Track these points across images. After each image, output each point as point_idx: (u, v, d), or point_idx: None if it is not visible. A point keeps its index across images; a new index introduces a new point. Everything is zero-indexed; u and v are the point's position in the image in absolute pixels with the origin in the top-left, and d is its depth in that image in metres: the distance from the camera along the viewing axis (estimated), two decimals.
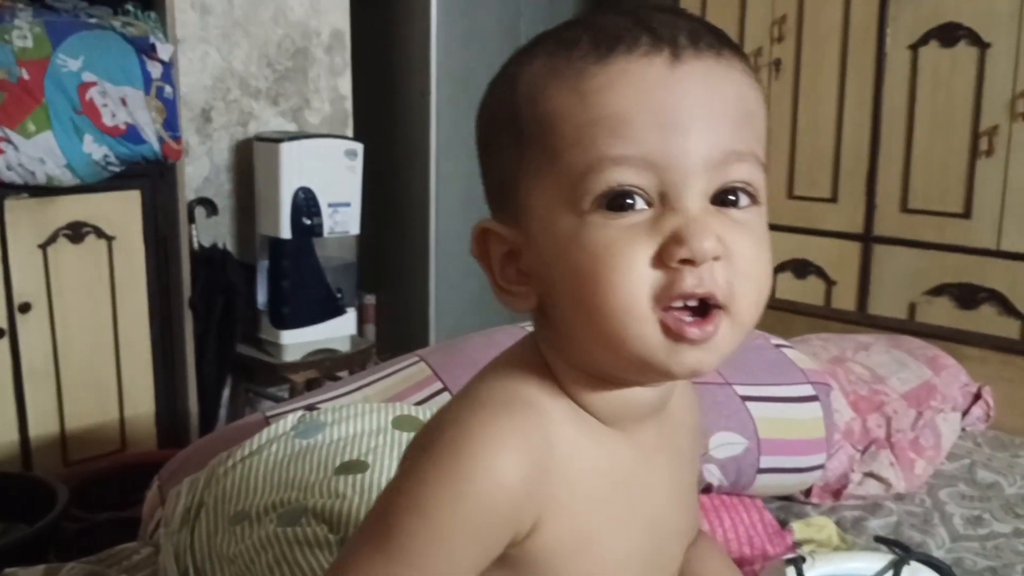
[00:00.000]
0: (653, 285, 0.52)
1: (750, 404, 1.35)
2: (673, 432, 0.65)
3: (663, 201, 0.52)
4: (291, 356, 2.68)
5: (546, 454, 0.55)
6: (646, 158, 0.52)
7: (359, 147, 2.72)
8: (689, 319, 0.53)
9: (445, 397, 1.23)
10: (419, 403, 1.23)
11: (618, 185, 0.52)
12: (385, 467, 1.04)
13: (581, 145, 0.53)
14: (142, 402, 2.44)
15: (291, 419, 1.14)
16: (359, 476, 1.03)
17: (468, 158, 3.04)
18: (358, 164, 2.71)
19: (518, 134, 0.55)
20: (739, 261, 0.53)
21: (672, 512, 0.64)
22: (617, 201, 0.52)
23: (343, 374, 2.82)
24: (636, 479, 0.61)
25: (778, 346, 1.51)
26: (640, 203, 0.53)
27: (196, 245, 2.61)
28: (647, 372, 0.55)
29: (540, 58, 0.56)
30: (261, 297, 2.72)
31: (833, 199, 2.81)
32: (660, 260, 0.52)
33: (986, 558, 1.33)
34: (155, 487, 1.20)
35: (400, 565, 0.53)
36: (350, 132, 2.95)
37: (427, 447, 0.55)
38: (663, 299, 0.52)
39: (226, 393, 2.75)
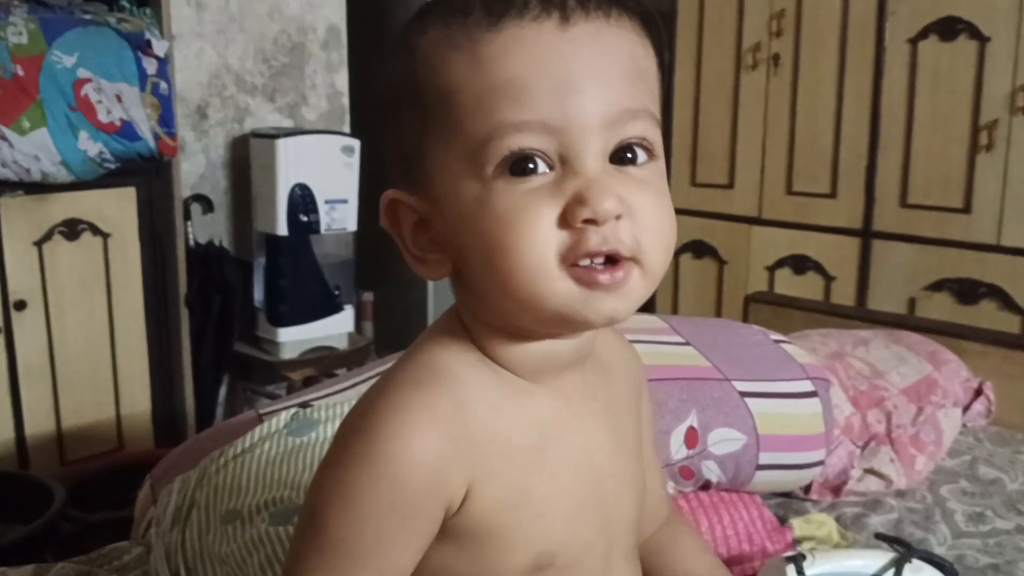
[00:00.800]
0: (559, 245, 0.54)
1: (749, 400, 1.34)
2: (605, 383, 0.67)
3: (563, 163, 0.54)
4: (288, 354, 2.67)
5: (462, 422, 0.58)
6: (544, 122, 0.53)
7: (356, 143, 2.71)
8: (600, 267, 0.55)
9: None
10: None
11: (519, 150, 0.54)
12: None
13: (481, 113, 0.54)
14: (138, 400, 2.43)
15: (284, 417, 1.12)
16: None
17: None
18: (355, 160, 2.70)
19: (420, 104, 0.56)
20: (642, 216, 0.55)
21: (611, 458, 0.67)
22: (519, 166, 0.54)
23: (341, 371, 2.81)
24: (566, 428, 0.63)
25: (777, 341, 1.50)
26: (542, 166, 0.54)
27: (192, 242, 2.60)
28: (566, 325, 0.57)
29: (435, 26, 0.56)
30: (258, 295, 2.71)
31: (832, 194, 2.80)
32: (564, 221, 0.54)
33: (988, 555, 1.31)
34: (147, 486, 1.19)
35: (336, 556, 0.56)
36: (347, 128, 2.94)
37: (344, 436, 0.58)
38: (570, 258, 0.54)
39: (223, 391, 2.75)
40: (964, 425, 1.70)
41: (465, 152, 0.55)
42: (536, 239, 0.54)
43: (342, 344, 2.77)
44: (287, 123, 2.83)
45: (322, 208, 2.64)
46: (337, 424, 1.10)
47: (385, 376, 0.60)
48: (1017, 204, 2.48)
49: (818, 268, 2.86)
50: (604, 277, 0.54)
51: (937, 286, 2.63)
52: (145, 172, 2.34)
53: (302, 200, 2.61)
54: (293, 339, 2.68)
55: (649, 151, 0.57)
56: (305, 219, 2.62)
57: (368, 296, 3.12)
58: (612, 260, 0.55)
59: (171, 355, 2.50)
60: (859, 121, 2.74)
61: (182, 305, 2.47)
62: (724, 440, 1.30)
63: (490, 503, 0.58)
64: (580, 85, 0.54)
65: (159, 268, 2.43)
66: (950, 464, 1.59)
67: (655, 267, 0.57)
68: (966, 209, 2.57)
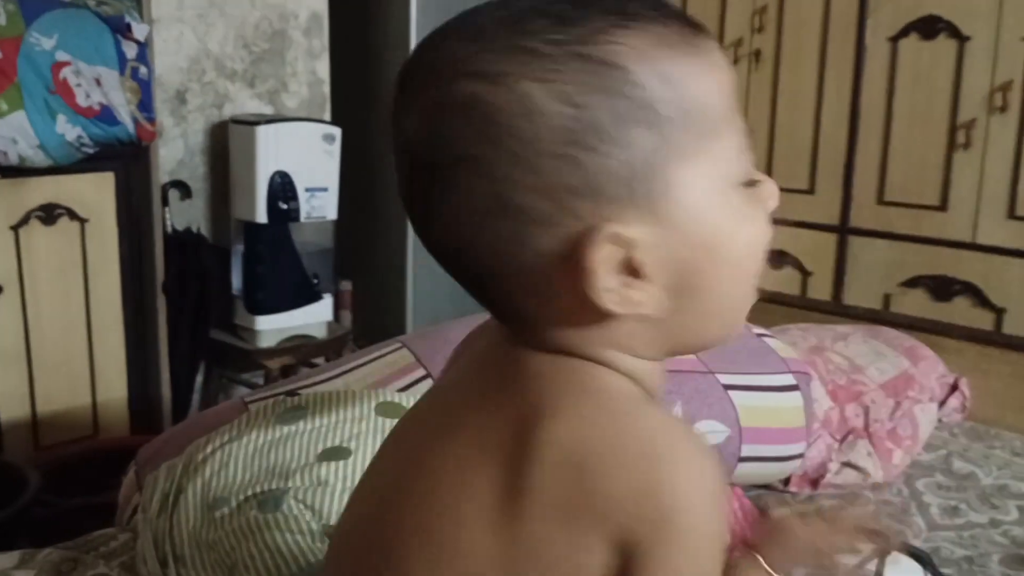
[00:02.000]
0: (768, 243, 0.57)
1: (732, 393, 1.35)
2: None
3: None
4: (266, 342, 2.65)
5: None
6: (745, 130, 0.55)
7: (337, 131, 2.69)
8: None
9: (428, 384, 1.22)
10: (402, 389, 1.22)
11: (753, 161, 0.55)
12: (368, 453, 1.03)
13: (727, 122, 0.53)
14: (114, 387, 2.41)
15: (271, 405, 1.12)
16: (342, 463, 1.02)
17: None
18: (336, 148, 2.68)
19: (656, 118, 0.50)
20: None
21: None
22: (751, 175, 0.56)
23: (319, 361, 2.80)
24: None
25: (760, 335, 1.52)
26: (755, 174, 0.57)
27: (170, 229, 2.57)
28: (738, 321, 0.60)
29: (640, 37, 0.51)
30: (236, 282, 2.69)
31: (810, 190, 2.82)
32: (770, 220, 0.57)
33: (963, 547, 1.34)
34: (131, 472, 1.18)
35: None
36: (328, 116, 2.92)
37: (671, 508, 0.50)
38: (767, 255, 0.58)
39: (199, 379, 2.73)
40: (939, 420, 1.73)
41: (720, 162, 0.53)
42: (765, 240, 0.57)
43: (320, 333, 2.76)
44: (267, 110, 2.80)
45: (302, 196, 2.62)
46: (325, 413, 1.10)
47: (606, 441, 0.52)
48: (992, 202, 2.51)
49: (795, 263, 2.89)
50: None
51: (912, 283, 2.67)
52: (123, 157, 2.31)
53: (282, 188, 2.59)
54: (271, 327, 2.66)
55: None
56: (285, 207, 2.60)
57: (347, 285, 3.10)
58: None
59: (148, 342, 2.47)
60: (839, 118, 2.76)
61: (159, 291, 2.45)
62: (708, 432, 1.31)
63: None
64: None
65: (136, 254, 2.40)
66: (926, 458, 1.61)
67: None
68: (942, 207, 2.60)
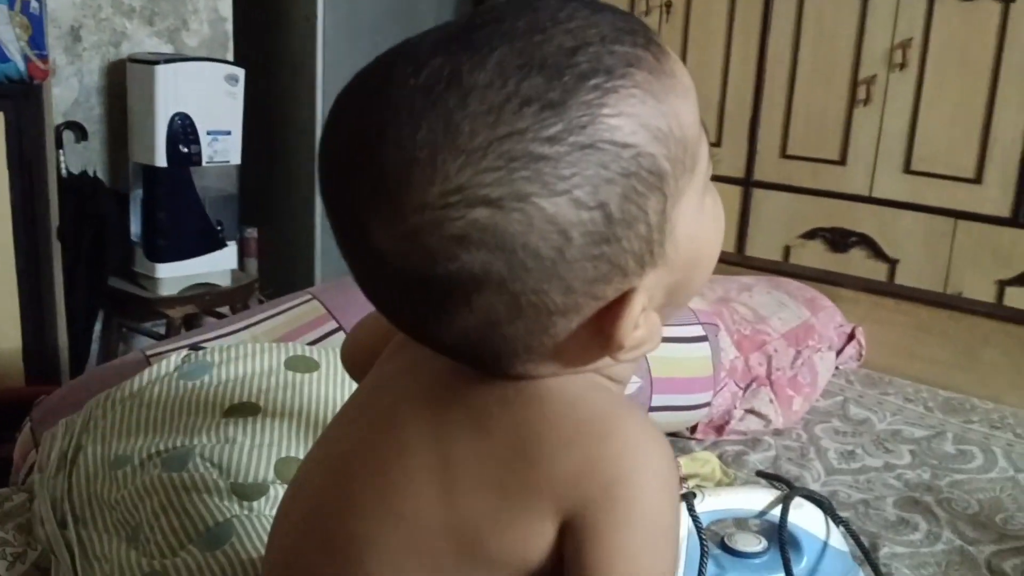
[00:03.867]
0: None
1: None
2: None
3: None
4: (167, 290, 2.58)
5: None
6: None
7: (240, 72, 2.60)
8: None
9: (340, 337, 1.20)
10: (312, 343, 1.20)
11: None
12: (278, 409, 1.01)
13: (700, 139, 0.53)
14: (8, 336, 2.31)
15: (174, 359, 1.09)
16: (250, 419, 1.00)
17: None
18: (239, 90, 2.60)
19: (661, 179, 0.49)
20: None
21: None
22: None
23: (223, 310, 2.73)
24: None
25: None
26: None
27: (64, 172, 2.46)
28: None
29: (630, 95, 0.48)
30: (135, 228, 2.60)
31: (717, 143, 2.86)
32: None
33: (859, 490, 1.40)
34: (27, 429, 1.14)
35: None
36: (230, 56, 2.82)
37: (616, 479, 0.51)
38: None
39: (98, 328, 2.64)
40: (837, 368, 1.79)
41: (701, 180, 0.53)
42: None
43: (225, 281, 2.69)
44: (166, 49, 2.69)
45: (204, 139, 2.53)
46: (232, 367, 1.07)
47: (564, 416, 0.53)
48: (889, 157, 2.59)
49: None
50: None
51: (811, 234, 2.74)
52: (13, 96, 2.18)
53: (182, 130, 2.50)
54: (172, 275, 2.58)
55: None
56: (185, 150, 2.51)
57: (252, 232, 3.03)
58: None
59: (42, 289, 2.37)
60: (745, 72, 2.80)
61: (54, 238, 2.35)
62: None
63: None
64: None
65: (29, 198, 2.29)
66: (824, 405, 1.67)
67: None
68: (842, 161, 2.67)
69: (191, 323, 2.70)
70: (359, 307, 1.27)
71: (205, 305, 2.65)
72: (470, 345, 0.51)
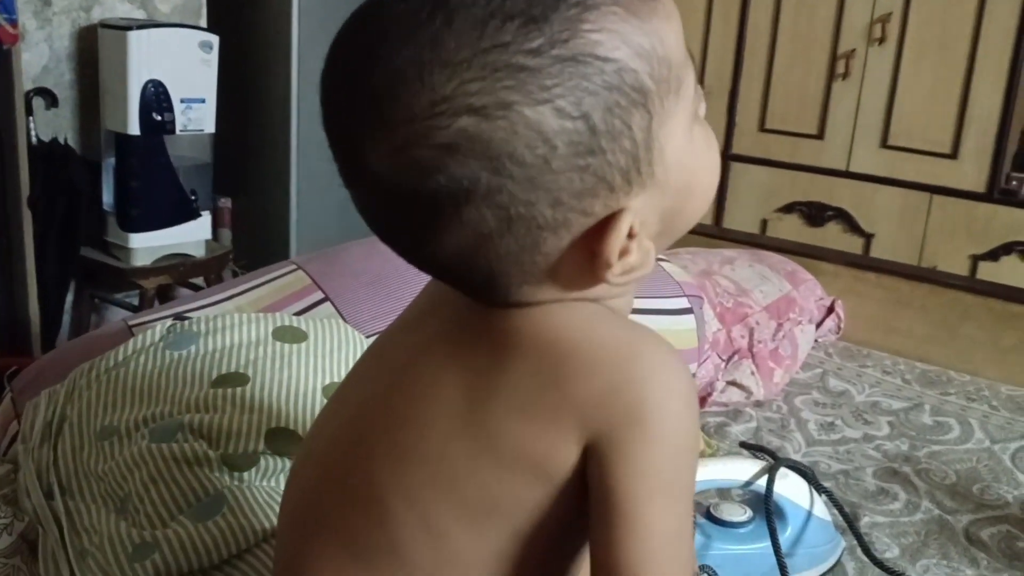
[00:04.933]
0: None
1: (633, 316, 1.37)
2: None
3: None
4: (141, 260, 2.54)
5: None
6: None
7: (215, 39, 2.56)
8: None
9: (327, 308, 1.19)
10: (299, 313, 1.18)
11: (699, 80, 0.56)
12: (266, 380, 1.00)
13: (686, 64, 0.54)
14: None
15: (159, 329, 1.07)
16: (239, 389, 0.98)
17: None
18: (214, 57, 2.56)
19: (644, 95, 0.50)
20: None
21: None
22: (699, 94, 0.56)
23: (197, 280, 2.70)
24: None
25: (656, 259, 1.54)
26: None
27: (35, 139, 2.41)
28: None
29: (611, 13, 0.49)
30: (107, 197, 2.56)
31: None
32: None
33: (839, 461, 1.41)
34: (8, 399, 1.12)
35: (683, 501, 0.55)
36: (203, 22, 2.77)
37: (641, 399, 0.52)
38: None
39: (70, 298, 2.60)
40: (816, 340, 1.81)
41: (687, 108, 0.54)
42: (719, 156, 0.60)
43: (199, 252, 2.66)
44: (138, 14, 2.64)
45: (177, 107, 2.50)
46: (219, 337, 1.06)
47: (583, 344, 0.54)
48: (867, 132, 2.61)
49: None
50: None
51: (788, 208, 2.76)
52: None
53: (155, 98, 2.45)
54: (146, 245, 2.55)
55: None
56: (159, 118, 2.47)
57: (226, 202, 2.99)
58: None
59: (13, 259, 2.34)
60: (725, 45, 2.79)
61: (24, 207, 2.31)
62: None
63: None
64: None
65: None
66: (803, 377, 1.69)
67: None
68: (820, 135, 2.68)
69: (164, 294, 2.67)
70: (344, 277, 1.27)
71: (179, 276, 2.62)
72: (465, 265, 0.52)
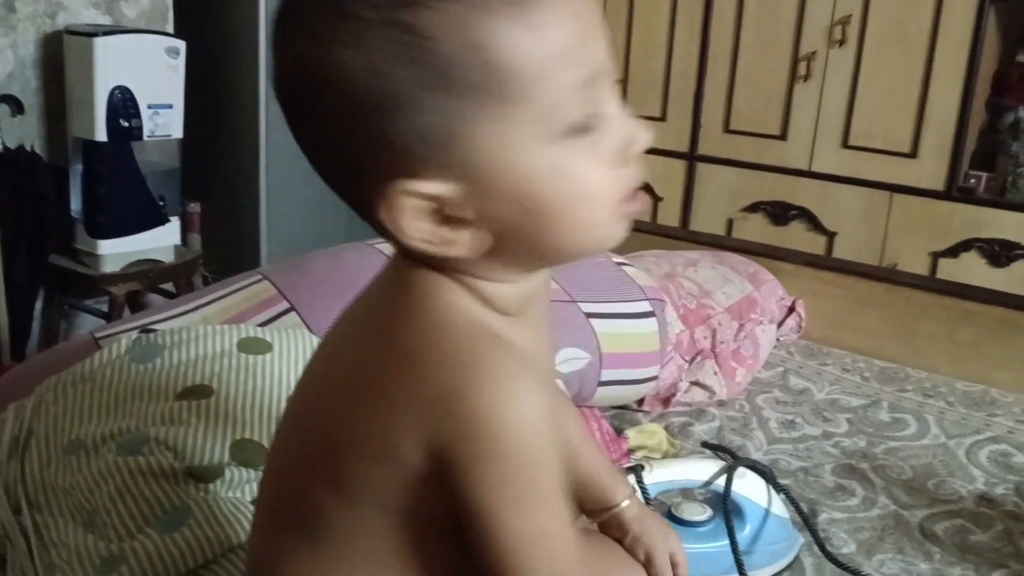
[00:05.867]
0: (620, 188, 0.57)
1: (594, 321, 1.40)
2: (543, 313, 0.69)
3: (603, 110, 0.56)
4: (110, 267, 2.54)
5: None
6: (592, 77, 0.55)
7: (182, 45, 2.55)
8: (637, 197, 0.59)
9: (293, 317, 1.21)
10: (264, 324, 1.20)
11: (586, 112, 0.55)
12: (231, 391, 1.01)
13: (545, 80, 0.53)
14: None
15: (125, 342, 1.08)
16: (203, 401, 1.00)
17: None
18: (181, 63, 2.55)
19: (453, 84, 0.52)
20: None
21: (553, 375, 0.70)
22: (584, 125, 0.55)
23: (167, 286, 2.70)
24: (539, 355, 0.65)
25: (619, 264, 1.56)
26: (595, 120, 0.56)
27: (1, 147, 2.40)
28: (597, 253, 0.63)
29: (458, 2, 0.52)
30: (75, 204, 2.55)
31: (663, 118, 2.89)
32: (618, 162, 0.57)
33: (799, 459, 1.45)
34: None
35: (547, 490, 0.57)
36: (170, 28, 2.76)
37: (475, 414, 0.54)
38: (626, 196, 0.58)
39: (39, 306, 2.59)
40: (778, 339, 1.84)
41: (529, 123, 0.54)
42: (608, 187, 0.56)
43: (168, 257, 2.66)
44: (104, 20, 2.63)
45: (145, 113, 2.49)
46: (184, 349, 1.07)
47: (434, 355, 0.57)
48: (828, 133, 2.65)
49: (647, 189, 2.97)
50: (639, 205, 0.59)
51: (753, 208, 2.80)
52: None
53: (123, 104, 2.45)
54: (115, 252, 2.54)
55: None
56: (126, 124, 2.46)
57: (195, 207, 2.98)
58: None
59: None
60: (689, 47, 2.82)
61: None
62: (571, 359, 1.35)
63: None
64: (600, 36, 0.56)
65: None
66: (765, 376, 1.72)
67: None
68: (783, 136, 2.72)
69: (134, 300, 2.67)
70: (310, 287, 1.28)
71: (148, 282, 2.62)
72: (332, 175, 0.58)
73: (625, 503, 0.85)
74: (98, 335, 1.18)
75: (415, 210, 0.54)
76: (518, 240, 0.57)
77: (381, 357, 0.58)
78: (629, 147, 0.57)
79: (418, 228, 0.55)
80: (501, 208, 0.55)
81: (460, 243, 0.56)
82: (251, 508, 0.89)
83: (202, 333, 1.09)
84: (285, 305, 1.23)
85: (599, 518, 0.86)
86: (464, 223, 0.55)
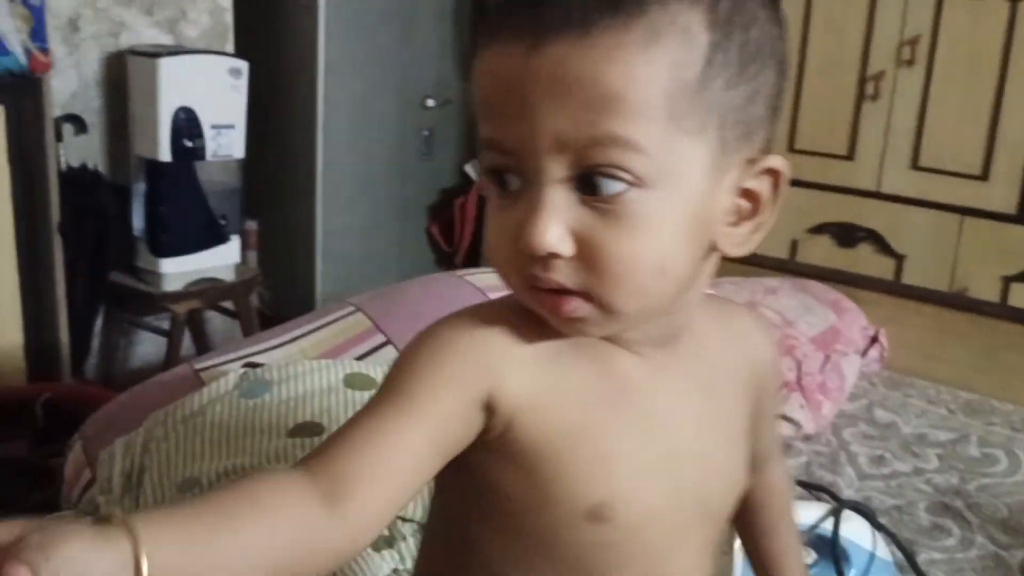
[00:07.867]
0: (521, 264, 0.55)
1: None
2: (708, 368, 0.66)
3: (526, 183, 0.54)
4: (171, 285, 2.54)
5: (511, 343, 0.58)
6: (503, 143, 0.54)
7: (244, 65, 2.56)
8: (551, 295, 0.55)
9: (390, 351, 1.19)
10: (361, 357, 1.19)
11: (490, 165, 0.55)
12: None
13: (479, 126, 0.56)
14: (9, 332, 2.27)
15: (232, 377, 1.07)
16: (315, 439, 0.98)
17: (357, 77, 2.89)
18: (243, 83, 2.56)
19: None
20: (599, 254, 0.53)
21: (697, 439, 0.64)
22: (496, 179, 0.55)
23: (227, 304, 2.70)
24: (648, 393, 0.62)
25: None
26: (515, 182, 0.55)
27: (64, 165, 2.41)
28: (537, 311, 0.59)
29: (482, 51, 0.57)
30: (137, 223, 2.55)
31: None
32: (516, 237, 0.55)
33: (891, 496, 1.41)
34: (78, 446, 1.12)
35: (391, 397, 0.57)
36: (231, 47, 2.77)
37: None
38: (528, 280, 0.55)
39: (99, 323, 2.60)
40: (860, 370, 1.81)
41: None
42: (506, 255, 0.55)
43: (228, 275, 2.66)
44: (165, 39, 2.64)
45: (208, 133, 2.50)
46: (291, 385, 1.06)
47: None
48: (896, 153, 2.61)
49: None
50: (553, 308, 0.56)
51: (818, 229, 2.75)
52: (13, 89, 2.14)
53: (186, 124, 2.45)
54: (176, 270, 2.54)
55: (628, 180, 0.53)
56: (189, 144, 2.47)
57: (252, 224, 2.99)
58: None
59: (44, 285, 2.33)
60: None
61: (54, 232, 2.31)
62: None
63: (547, 426, 0.58)
64: (535, 110, 0.52)
65: (29, 193, 2.25)
66: (849, 408, 1.69)
67: (616, 306, 0.55)
68: (850, 156, 2.68)
69: (195, 318, 2.67)
70: (405, 319, 1.27)
71: (209, 300, 2.63)
72: None
73: None
74: (197, 367, 1.18)
75: None
76: None
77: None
78: (519, 238, 0.54)
79: None
80: None
81: None
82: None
83: (308, 368, 1.08)
84: (382, 339, 1.22)
85: None
86: None
